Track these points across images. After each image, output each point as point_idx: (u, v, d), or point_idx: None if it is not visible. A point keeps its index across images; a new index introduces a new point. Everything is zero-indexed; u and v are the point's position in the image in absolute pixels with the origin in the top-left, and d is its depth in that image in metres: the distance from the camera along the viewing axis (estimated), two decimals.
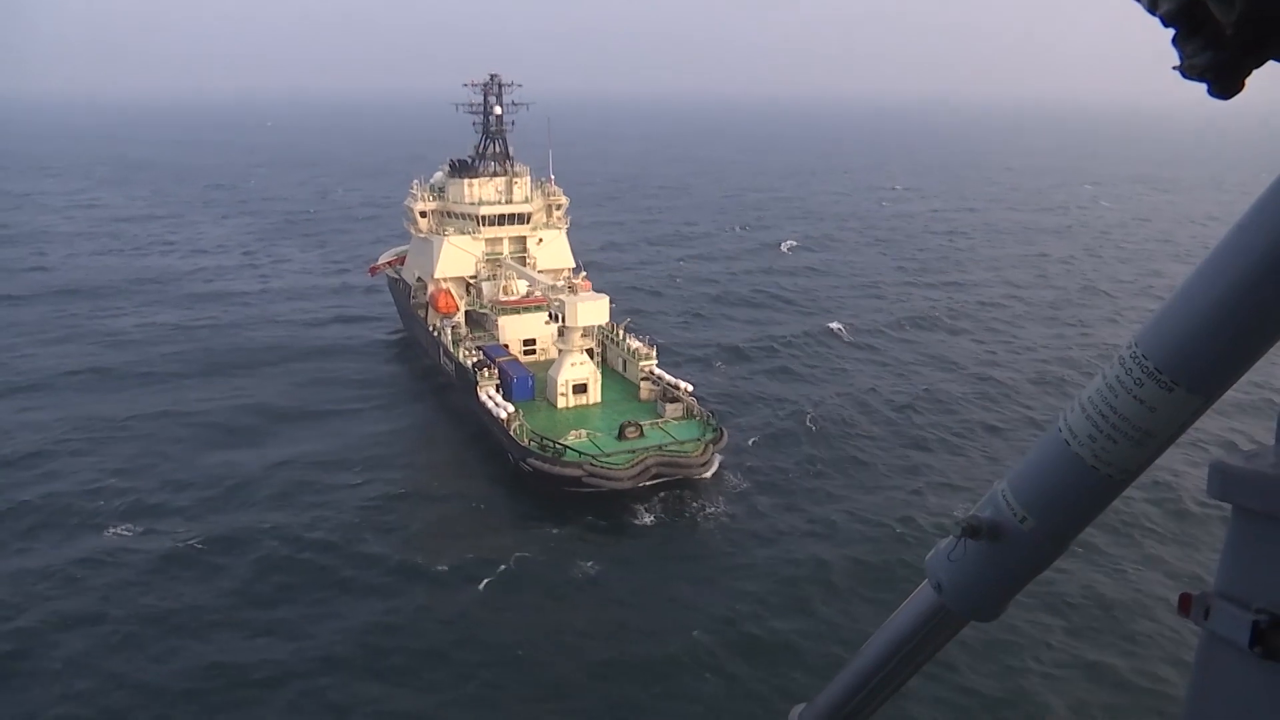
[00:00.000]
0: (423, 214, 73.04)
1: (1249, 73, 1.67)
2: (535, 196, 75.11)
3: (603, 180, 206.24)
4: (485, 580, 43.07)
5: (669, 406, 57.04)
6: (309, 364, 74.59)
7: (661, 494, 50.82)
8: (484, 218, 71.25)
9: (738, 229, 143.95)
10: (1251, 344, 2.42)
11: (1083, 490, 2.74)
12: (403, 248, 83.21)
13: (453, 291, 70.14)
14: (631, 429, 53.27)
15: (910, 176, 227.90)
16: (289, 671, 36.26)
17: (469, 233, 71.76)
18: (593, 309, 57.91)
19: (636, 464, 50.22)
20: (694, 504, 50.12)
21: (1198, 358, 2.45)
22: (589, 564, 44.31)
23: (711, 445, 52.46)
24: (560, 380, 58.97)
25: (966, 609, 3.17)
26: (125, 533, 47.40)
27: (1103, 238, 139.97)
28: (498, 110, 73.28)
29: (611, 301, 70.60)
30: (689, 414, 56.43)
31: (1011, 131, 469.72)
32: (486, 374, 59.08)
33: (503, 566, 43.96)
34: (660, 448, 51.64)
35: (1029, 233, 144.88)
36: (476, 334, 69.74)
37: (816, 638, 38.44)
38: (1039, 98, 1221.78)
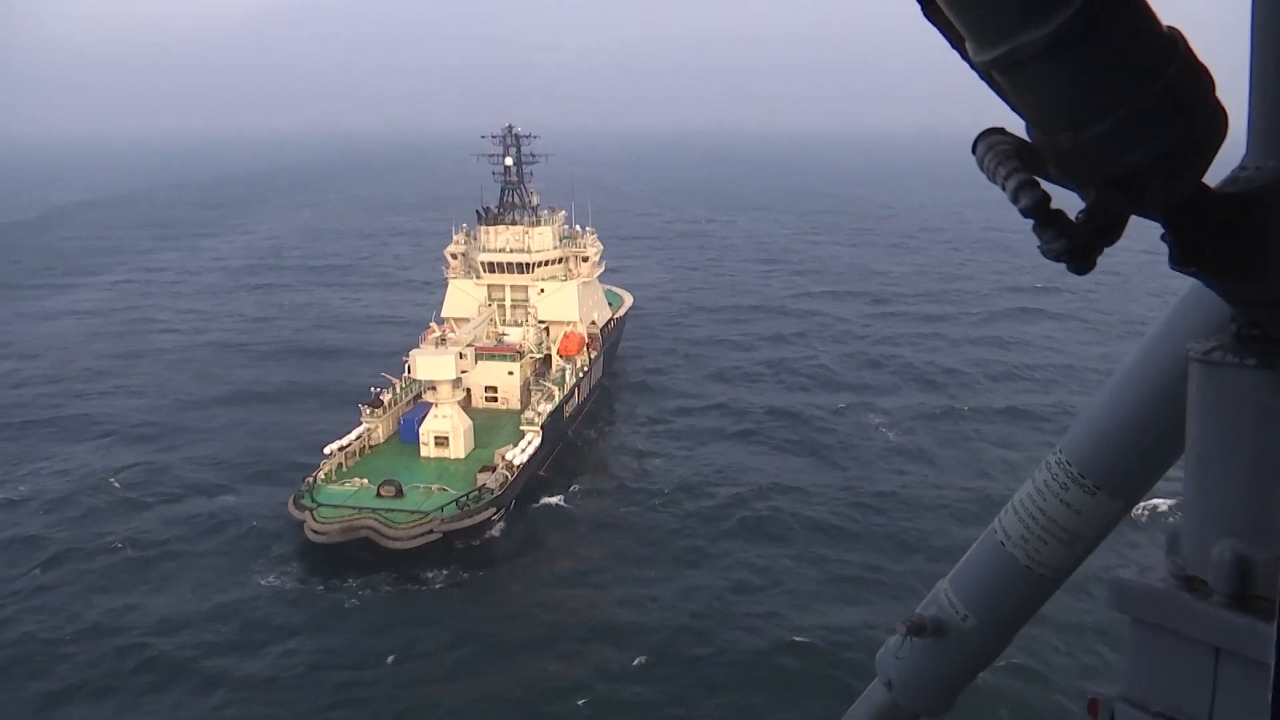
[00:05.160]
0: (453, 255, 74.61)
1: (1099, 253, 1.88)
2: (555, 246, 72.77)
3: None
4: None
5: (480, 475, 52.68)
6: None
7: (372, 564, 46.13)
8: (484, 264, 71.06)
9: None
10: (1165, 452, 2.59)
11: (1018, 589, 2.85)
12: None
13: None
14: (386, 487, 50.14)
15: None
16: None
17: (474, 278, 71.84)
18: (433, 364, 55.17)
19: (341, 523, 47.41)
20: (354, 581, 44.70)
21: (1117, 464, 2.62)
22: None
23: (438, 523, 47.62)
24: (422, 430, 57.24)
25: (916, 704, 3.23)
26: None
27: None
28: (508, 161, 72.15)
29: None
30: (499, 485, 51.70)
31: None
32: (369, 411, 59.41)
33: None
34: (375, 512, 48.20)
35: None
36: None
37: None
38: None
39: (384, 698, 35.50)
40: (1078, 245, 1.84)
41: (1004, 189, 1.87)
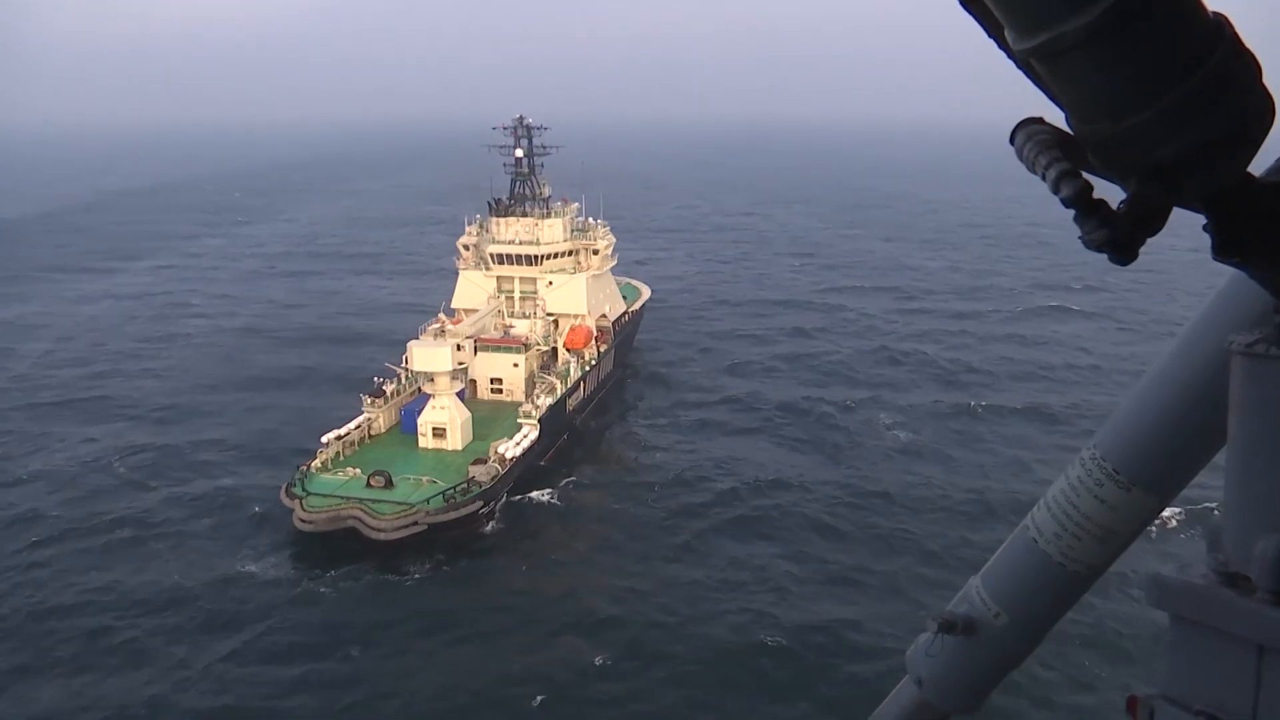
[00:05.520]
0: (466, 247, 74.57)
1: (1142, 243, 1.85)
2: (566, 239, 72.42)
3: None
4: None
5: (472, 468, 52.63)
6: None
7: (348, 553, 46.18)
8: (493, 255, 71.01)
9: None
10: (1201, 449, 2.55)
11: (1052, 586, 2.80)
12: None
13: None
14: (376, 478, 50.38)
15: None
16: None
17: (484, 269, 71.84)
18: (429, 355, 55.29)
19: (329, 513, 47.62)
20: (333, 572, 44.66)
21: (1152, 460, 2.57)
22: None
23: (422, 514, 47.67)
24: (420, 422, 57.44)
25: (947, 702, 3.17)
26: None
27: None
28: (519, 153, 71.68)
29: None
30: (489, 478, 51.64)
31: None
32: (369, 401, 59.74)
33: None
34: (362, 502, 48.42)
35: None
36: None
37: None
38: None
39: (343, 687, 35.67)
40: (1119, 236, 1.82)
41: (1044, 179, 1.85)
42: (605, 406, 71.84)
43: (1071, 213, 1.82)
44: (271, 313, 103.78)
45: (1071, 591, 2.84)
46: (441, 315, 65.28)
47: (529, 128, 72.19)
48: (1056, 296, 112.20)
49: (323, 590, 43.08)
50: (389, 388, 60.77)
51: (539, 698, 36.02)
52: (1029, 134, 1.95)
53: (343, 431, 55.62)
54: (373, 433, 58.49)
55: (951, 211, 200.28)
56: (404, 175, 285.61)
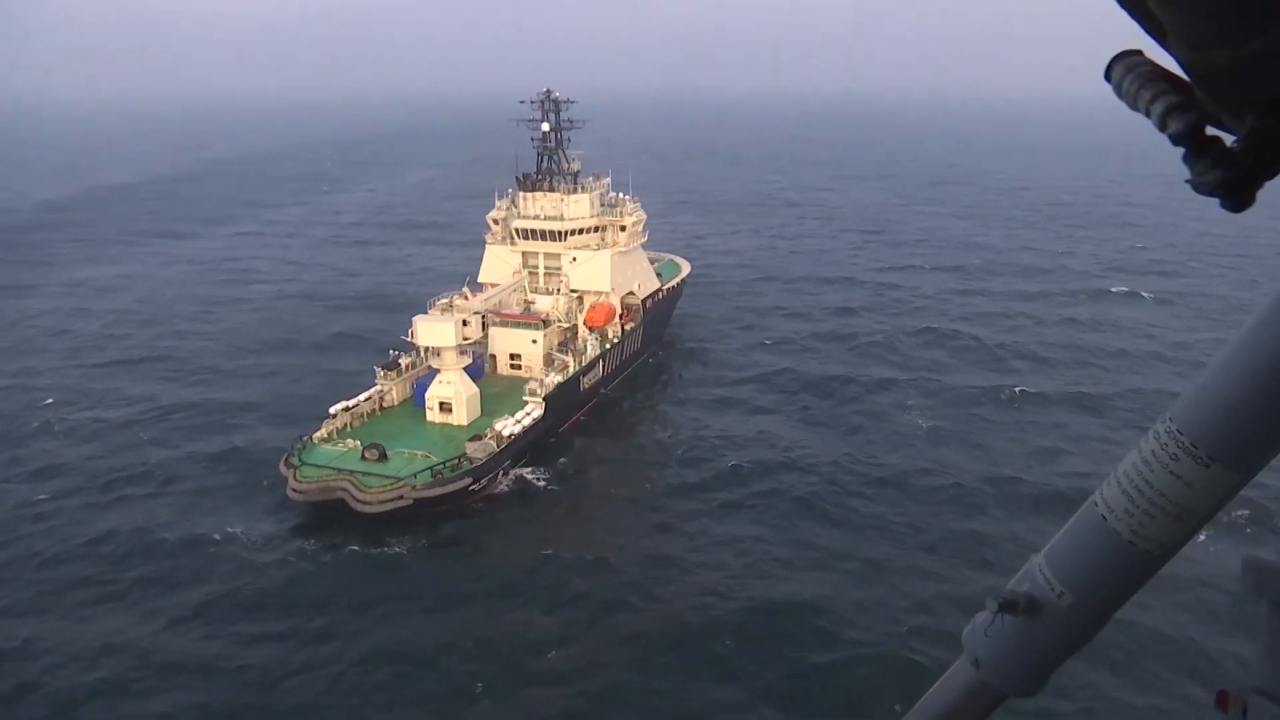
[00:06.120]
0: (495, 221, 74.48)
1: (1259, 187, 1.70)
2: (593, 215, 71.49)
3: None
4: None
5: (467, 444, 52.75)
6: None
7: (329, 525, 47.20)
8: (518, 230, 70.65)
9: None
10: None
11: (1121, 566, 2.65)
12: None
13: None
14: (371, 450, 50.95)
15: None
16: None
17: (510, 244, 71.64)
18: (434, 330, 55.53)
19: (320, 484, 48.28)
20: (318, 543, 45.60)
21: (1234, 433, 2.38)
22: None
23: (409, 489, 47.98)
24: (427, 396, 57.84)
25: (1005, 684, 3.00)
26: None
27: None
28: (545, 127, 70.80)
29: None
30: (484, 455, 51.67)
31: None
32: (382, 374, 60.43)
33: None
34: (353, 474, 48.91)
35: None
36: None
37: None
38: None
39: (285, 655, 36.39)
40: (1235, 177, 1.63)
41: (1149, 115, 1.69)
42: (632, 383, 71.25)
43: (1180, 154, 1.64)
44: (332, 279, 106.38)
45: (1141, 572, 2.64)
46: (466, 289, 65.51)
47: (556, 101, 71.40)
48: (1129, 281, 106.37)
49: (298, 560, 44.03)
50: (404, 360, 61.37)
51: (487, 670, 36.12)
52: (1129, 66, 1.75)
53: (352, 403, 56.42)
54: (385, 405, 59.25)
55: (1043, 190, 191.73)
56: (487, 147, 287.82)
